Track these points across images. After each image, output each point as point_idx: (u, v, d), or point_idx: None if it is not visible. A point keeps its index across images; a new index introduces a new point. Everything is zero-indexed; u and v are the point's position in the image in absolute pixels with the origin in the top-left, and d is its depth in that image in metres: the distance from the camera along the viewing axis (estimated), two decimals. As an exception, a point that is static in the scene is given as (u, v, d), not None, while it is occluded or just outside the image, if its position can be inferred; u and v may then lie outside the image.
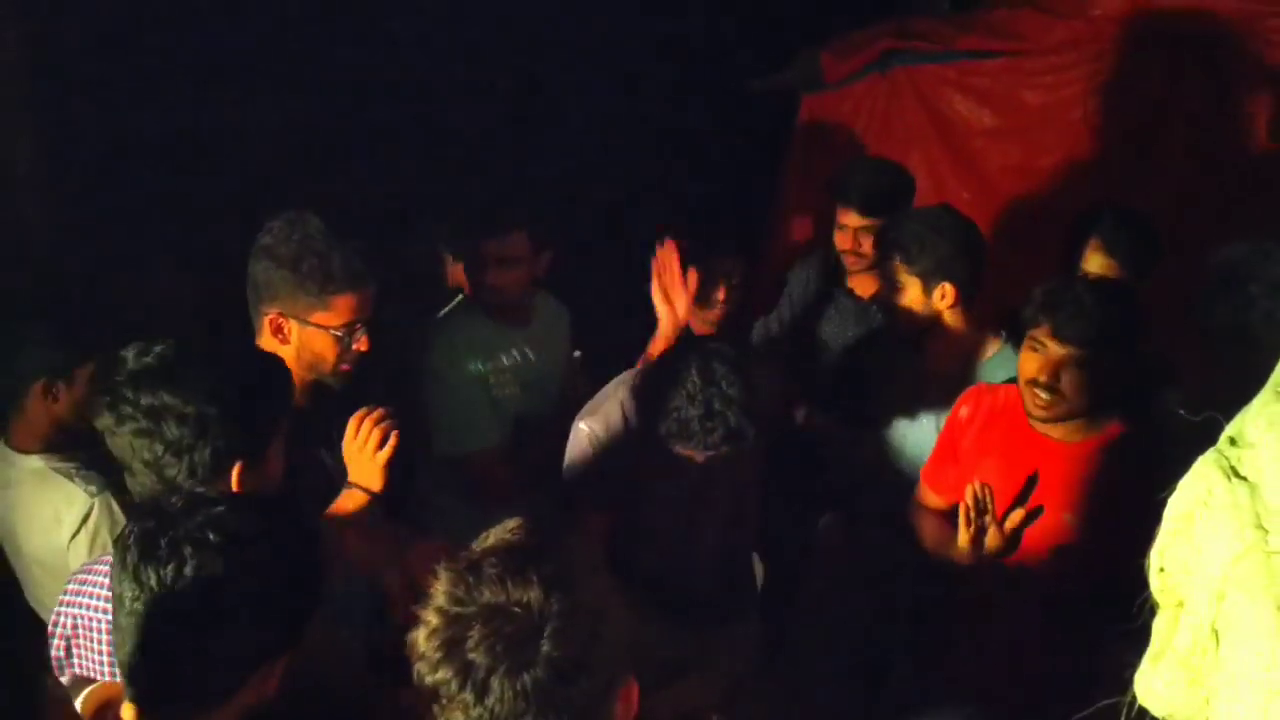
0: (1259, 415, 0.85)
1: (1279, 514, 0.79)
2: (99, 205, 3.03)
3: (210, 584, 1.33)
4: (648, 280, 2.59)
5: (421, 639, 1.18)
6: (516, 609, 1.15)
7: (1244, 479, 0.83)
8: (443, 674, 1.15)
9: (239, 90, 3.32)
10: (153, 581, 1.34)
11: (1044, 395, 2.20)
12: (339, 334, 2.18)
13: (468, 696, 1.14)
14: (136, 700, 1.39)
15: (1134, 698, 0.95)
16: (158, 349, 1.72)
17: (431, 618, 1.18)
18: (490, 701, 1.14)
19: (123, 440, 1.71)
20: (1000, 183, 3.78)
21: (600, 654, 1.20)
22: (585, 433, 2.45)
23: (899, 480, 2.70)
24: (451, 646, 1.15)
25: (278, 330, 2.18)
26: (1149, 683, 0.94)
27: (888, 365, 2.88)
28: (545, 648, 1.13)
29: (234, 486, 1.70)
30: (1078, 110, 3.67)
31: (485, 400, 2.79)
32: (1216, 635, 0.83)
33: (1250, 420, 0.86)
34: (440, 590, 1.18)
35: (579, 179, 3.88)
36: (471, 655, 1.14)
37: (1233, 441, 0.87)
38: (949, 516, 2.35)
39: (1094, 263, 2.78)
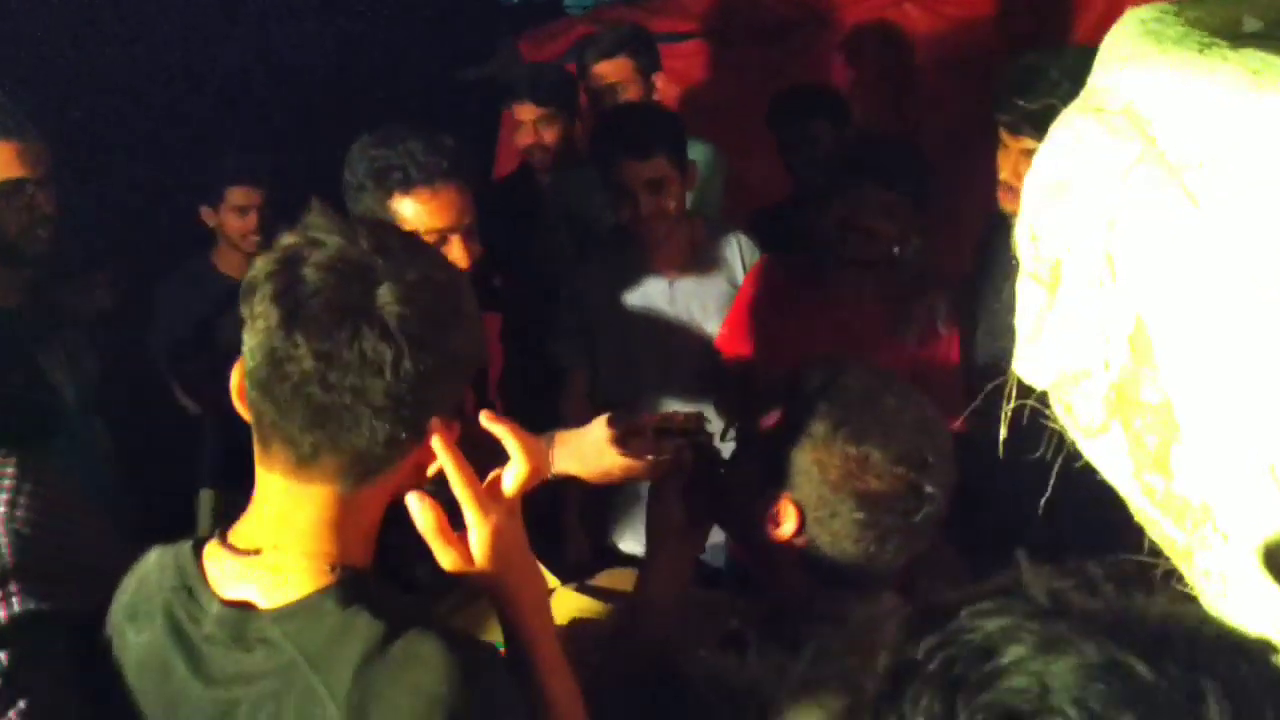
0: (1110, 51, 0.87)
1: (1157, 120, 0.80)
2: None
3: None
4: None
5: (259, 262, 0.93)
6: (379, 258, 0.93)
7: (1116, 110, 0.85)
8: (260, 295, 0.90)
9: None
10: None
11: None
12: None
13: (274, 316, 0.89)
14: None
15: (1015, 380, 0.94)
16: None
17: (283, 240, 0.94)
18: (299, 335, 0.89)
19: None
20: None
21: (451, 347, 0.94)
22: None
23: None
24: (286, 264, 0.91)
25: None
26: (1029, 358, 0.93)
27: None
28: (384, 295, 0.91)
29: None
30: (765, 90, 3.89)
31: None
32: (1112, 262, 0.83)
33: (1102, 65, 0.88)
34: (310, 219, 0.95)
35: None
36: (305, 270, 0.90)
37: (1090, 94, 0.89)
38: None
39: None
